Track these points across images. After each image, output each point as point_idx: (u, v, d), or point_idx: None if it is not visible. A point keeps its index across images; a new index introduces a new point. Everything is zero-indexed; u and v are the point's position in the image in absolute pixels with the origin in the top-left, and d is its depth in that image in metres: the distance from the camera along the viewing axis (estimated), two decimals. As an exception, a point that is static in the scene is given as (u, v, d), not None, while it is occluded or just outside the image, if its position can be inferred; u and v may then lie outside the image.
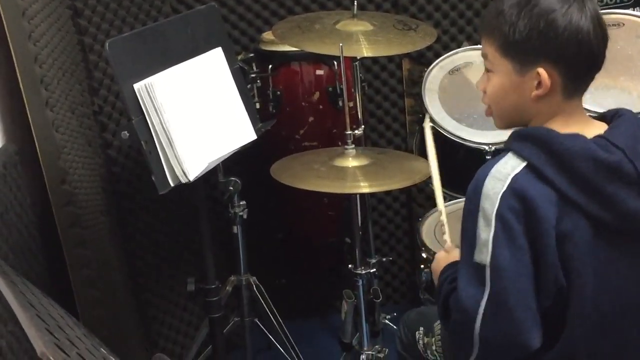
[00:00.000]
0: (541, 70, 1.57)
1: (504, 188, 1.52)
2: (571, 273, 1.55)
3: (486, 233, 1.53)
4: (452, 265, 1.77)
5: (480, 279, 1.54)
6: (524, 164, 1.55)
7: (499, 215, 1.52)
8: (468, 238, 1.58)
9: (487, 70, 1.69)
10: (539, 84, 1.58)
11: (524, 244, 1.52)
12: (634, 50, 2.66)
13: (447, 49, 3.12)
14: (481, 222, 1.54)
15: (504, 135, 2.59)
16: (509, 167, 1.56)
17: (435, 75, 2.84)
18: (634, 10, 2.93)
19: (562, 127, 1.59)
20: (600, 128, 1.64)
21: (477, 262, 1.55)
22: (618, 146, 1.54)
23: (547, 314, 1.56)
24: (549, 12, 1.55)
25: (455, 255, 1.83)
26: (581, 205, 1.53)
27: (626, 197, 1.54)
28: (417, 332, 2.12)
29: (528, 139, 1.58)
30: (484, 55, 1.68)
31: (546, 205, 1.51)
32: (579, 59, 1.57)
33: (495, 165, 1.58)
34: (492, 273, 1.52)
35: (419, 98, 2.80)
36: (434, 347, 2.07)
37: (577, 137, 1.55)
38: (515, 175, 1.54)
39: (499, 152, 2.58)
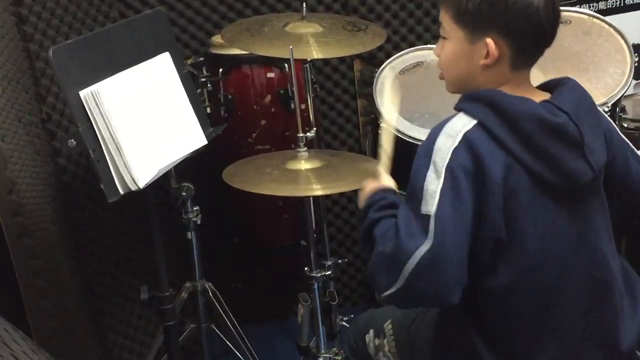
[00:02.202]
0: (489, 41, 1.63)
1: (455, 143, 1.59)
2: (513, 229, 1.61)
3: (435, 185, 1.57)
4: (382, 192, 1.82)
5: (424, 228, 1.57)
6: (475, 122, 1.62)
7: (449, 168, 1.57)
8: (414, 192, 1.61)
9: (442, 37, 1.75)
10: (487, 53, 1.64)
11: (468, 201, 1.57)
12: (581, 47, 2.69)
13: (397, 49, 3.12)
14: (431, 175, 1.58)
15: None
16: (460, 124, 1.62)
17: (386, 75, 2.83)
18: (580, 7, 2.97)
19: (510, 93, 1.65)
20: (545, 97, 1.70)
21: (422, 213, 1.58)
22: (563, 110, 1.62)
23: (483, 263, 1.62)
24: None
25: (384, 180, 1.88)
26: (526, 164, 1.59)
27: (569, 158, 1.62)
28: (366, 336, 2.12)
29: (478, 99, 1.65)
30: (440, 21, 1.74)
31: (494, 163, 1.57)
32: (528, 32, 1.63)
33: (447, 124, 1.64)
34: (436, 223, 1.55)
35: (371, 99, 2.80)
36: (386, 348, 2.07)
37: (525, 99, 1.63)
38: (467, 131, 1.60)
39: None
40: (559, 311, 1.69)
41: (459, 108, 1.67)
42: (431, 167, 1.59)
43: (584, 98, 1.72)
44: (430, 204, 1.56)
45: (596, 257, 1.71)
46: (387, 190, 1.84)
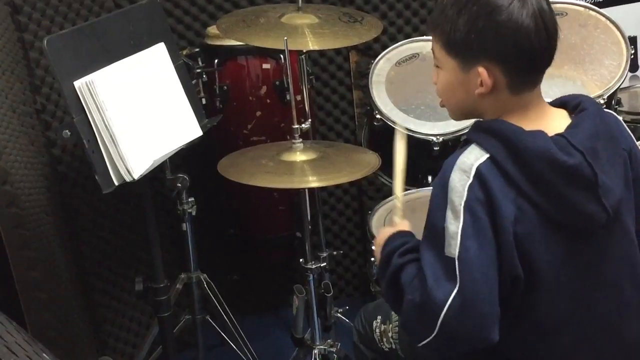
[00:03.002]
0: (481, 70, 1.57)
1: (470, 179, 1.53)
2: (527, 269, 1.55)
3: (455, 225, 1.52)
4: (401, 236, 1.77)
5: (450, 272, 1.52)
6: (487, 155, 1.56)
7: (467, 206, 1.52)
8: (436, 233, 1.56)
9: (436, 66, 1.69)
10: (481, 82, 1.58)
11: (490, 235, 1.52)
12: (577, 38, 2.69)
13: (394, 40, 3.11)
14: (449, 215, 1.54)
15: (452, 126, 2.64)
16: (473, 157, 1.56)
17: (382, 67, 2.83)
18: (576, -1, 2.96)
19: (521, 120, 1.59)
20: (561, 118, 1.64)
21: (446, 256, 1.53)
22: (577, 148, 1.54)
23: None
24: (487, 10, 1.54)
25: (399, 225, 1.84)
26: (537, 204, 1.53)
27: (583, 200, 1.55)
28: (374, 321, 2.12)
29: (489, 132, 1.58)
30: (432, 51, 1.68)
31: (505, 201, 1.52)
32: (520, 57, 1.56)
33: (460, 157, 1.58)
34: (461, 266, 1.51)
35: (367, 90, 2.79)
36: (390, 334, 2.07)
37: (538, 135, 1.55)
38: (479, 165, 1.54)
39: (446, 144, 2.63)
40: (567, 343, 1.65)
41: (469, 139, 1.62)
42: (448, 207, 1.54)
43: (603, 124, 1.63)
44: (453, 246, 1.52)
45: (612, 292, 1.65)
46: (407, 234, 1.79)
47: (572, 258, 1.59)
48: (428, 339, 1.56)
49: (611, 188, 1.58)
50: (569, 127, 1.60)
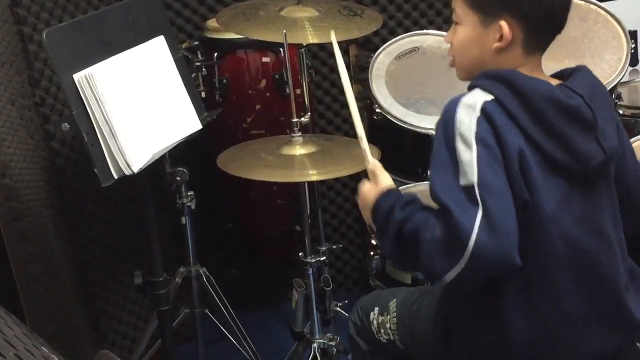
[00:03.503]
0: (503, 23, 1.65)
1: (478, 113, 1.59)
2: (532, 201, 1.61)
3: (468, 155, 1.56)
4: (393, 193, 1.77)
5: (472, 199, 1.54)
6: (491, 97, 1.62)
7: (479, 136, 1.57)
8: (447, 166, 1.58)
9: (455, 23, 1.76)
10: (501, 36, 1.66)
11: (502, 162, 1.57)
12: (578, 33, 2.69)
13: (393, 34, 3.11)
14: (461, 147, 1.57)
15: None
16: (477, 97, 1.63)
17: (382, 60, 2.82)
18: (577, -7, 2.95)
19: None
20: (559, 81, 1.72)
21: (463, 185, 1.55)
22: (578, 92, 1.65)
23: None
24: None
25: (383, 182, 1.82)
26: (539, 144, 1.61)
27: (582, 140, 1.64)
28: (371, 313, 2.12)
29: (495, 77, 1.66)
30: (453, 8, 1.76)
31: (512, 135, 1.59)
32: (540, 16, 1.65)
33: (463, 98, 1.64)
34: (481, 190, 1.53)
35: (366, 84, 2.79)
36: (388, 325, 2.06)
37: (541, 80, 1.66)
38: (484, 102, 1.61)
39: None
40: (562, 285, 1.68)
41: (474, 85, 1.68)
42: (458, 139, 1.58)
43: (599, 85, 1.76)
44: (470, 174, 1.54)
45: (603, 240, 1.71)
46: (395, 190, 1.79)
47: (569, 202, 1.66)
48: (456, 271, 1.54)
49: (608, 133, 1.68)
50: (567, 80, 1.71)
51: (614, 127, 1.74)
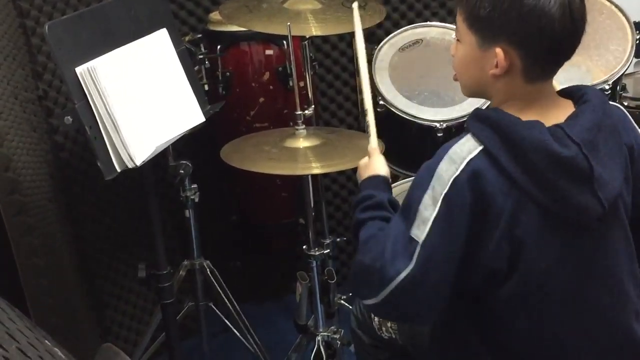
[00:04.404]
0: (499, 51, 1.55)
1: (457, 172, 1.52)
2: (518, 259, 1.55)
3: (429, 212, 1.54)
4: (371, 187, 1.80)
5: (410, 252, 1.55)
6: (481, 147, 1.54)
7: (447, 198, 1.52)
8: (409, 209, 1.58)
9: (457, 39, 1.69)
10: (497, 63, 1.56)
11: (461, 233, 1.53)
12: (583, 24, 2.67)
13: (397, 26, 3.09)
14: (427, 200, 1.55)
15: (455, 112, 2.63)
16: (466, 149, 1.55)
17: (386, 53, 2.82)
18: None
19: (519, 111, 1.58)
20: (564, 109, 1.61)
21: (411, 236, 1.55)
22: (574, 140, 1.52)
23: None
24: None
25: (376, 163, 1.86)
26: (533, 196, 1.52)
27: (577, 193, 1.53)
28: None
29: (485, 121, 1.57)
30: (456, 22, 1.68)
31: (498, 194, 1.51)
32: (541, 44, 1.54)
33: (454, 146, 1.57)
34: (422, 251, 1.53)
35: (370, 76, 2.78)
36: (389, 324, 2.07)
37: (534, 126, 1.53)
38: (471, 159, 1.53)
39: (450, 129, 2.62)
40: (565, 337, 1.64)
41: (468, 128, 1.60)
42: (429, 192, 1.54)
43: (606, 117, 1.60)
44: (421, 230, 1.54)
45: (609, 283, 1.64)
46: (377, 184, 1.81)
47: (568, 250, 1.59)
48: (371, 301, 1.61)
49: (608, 182, 1.55)
50: (568, 118, 1.58)
51: (619, 167, 1.60)
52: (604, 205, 1.54)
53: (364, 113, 2.04)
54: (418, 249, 1.53)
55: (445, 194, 1.52)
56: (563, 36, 1.54)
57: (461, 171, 1.52)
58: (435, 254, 1.53)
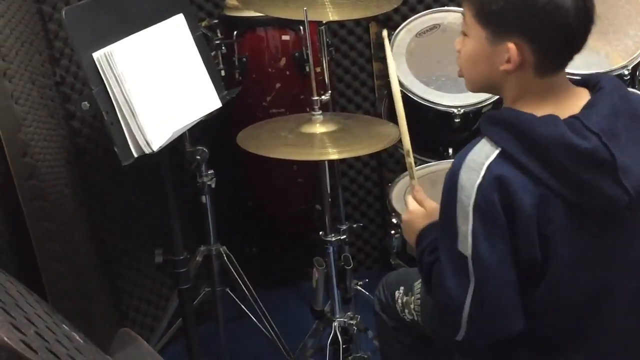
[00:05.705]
0: (511, 46, 1.52)
1: (480, 179, 1.49)
2: (548, 255, 1.53)
3: (465, 225, 1.51)
4: (430, 231, 1.76)
5: (464, 270, 1.53)
6: (498, 150, 1.52)
7: (477, 207, 1.49)
8: (449, 227, 1.55)
9: (464, 33, 1.65)
10: (509, 58, 1.53)
11: (503, 233, 1.50)
12: (601, 9, 2.61)
13: (414, 11, 3.08)
14: (460, 214, 1.52)
15: (472, 98, 2.62)
16: (483, 155, 1.52)
17: (403, 38, 2.81)
18: (601, -32, 2.91)
19: (534, 106, 1.56)
20: (579, 98, 1.58)
21: (459, 252, 1.53)
22: (593, 130, 1.49)
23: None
24: None
25: (430, 210, 1.82)
26: (558, 191, 1.50)
27: (602, 184, 1.50)
28: (396, 292, 2.12)
29: (500, 123, 1.54)
30: (463, 16, 1.64)
31: (523, 194, 1.48)
32: (555, 39, 1.51)
33: (470, 154, 1.54)
34: (475, 265, 1.51)
35: (387, 62, 2.77)
36: (412, 306, 2.06)
37: (550, 121, 1.50)
38: (490, 163, 1.50)
39: (467, 115, 2.60)
40: (594, 327, 1.63)
41: (481, 132, 1.57)
42: (458, 205, 1.52)
43: (624, 103, 1.57)
44: (466, 245, 1.51)
45: (638, 271, 1.62)
46: (435, 227, 1.77)
47: (596, 242, 1.56)
48: (460, 335, 1.59)
49: (633, 169, 1.52)
50: (584, 108, 1.55)
51: None
52: (631, 194, 1.51)
53: (403, 154, 1.99)
54: (470, 264, 1.52)
55: (474, 204, 1.50)
56: (576, 29, 1.51)
57: (482, 177, 1.49)
58: (489, 262, 1.50)
